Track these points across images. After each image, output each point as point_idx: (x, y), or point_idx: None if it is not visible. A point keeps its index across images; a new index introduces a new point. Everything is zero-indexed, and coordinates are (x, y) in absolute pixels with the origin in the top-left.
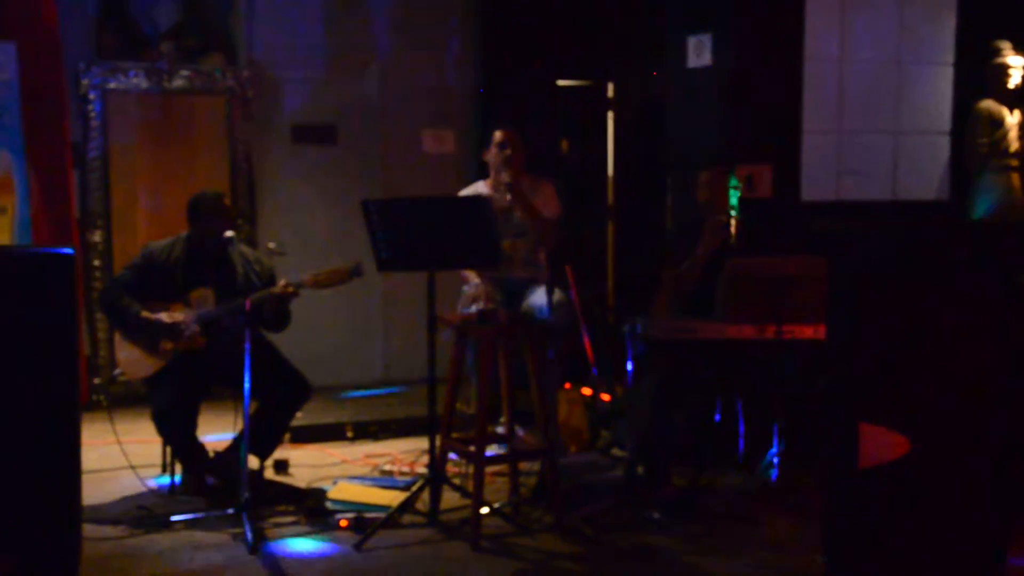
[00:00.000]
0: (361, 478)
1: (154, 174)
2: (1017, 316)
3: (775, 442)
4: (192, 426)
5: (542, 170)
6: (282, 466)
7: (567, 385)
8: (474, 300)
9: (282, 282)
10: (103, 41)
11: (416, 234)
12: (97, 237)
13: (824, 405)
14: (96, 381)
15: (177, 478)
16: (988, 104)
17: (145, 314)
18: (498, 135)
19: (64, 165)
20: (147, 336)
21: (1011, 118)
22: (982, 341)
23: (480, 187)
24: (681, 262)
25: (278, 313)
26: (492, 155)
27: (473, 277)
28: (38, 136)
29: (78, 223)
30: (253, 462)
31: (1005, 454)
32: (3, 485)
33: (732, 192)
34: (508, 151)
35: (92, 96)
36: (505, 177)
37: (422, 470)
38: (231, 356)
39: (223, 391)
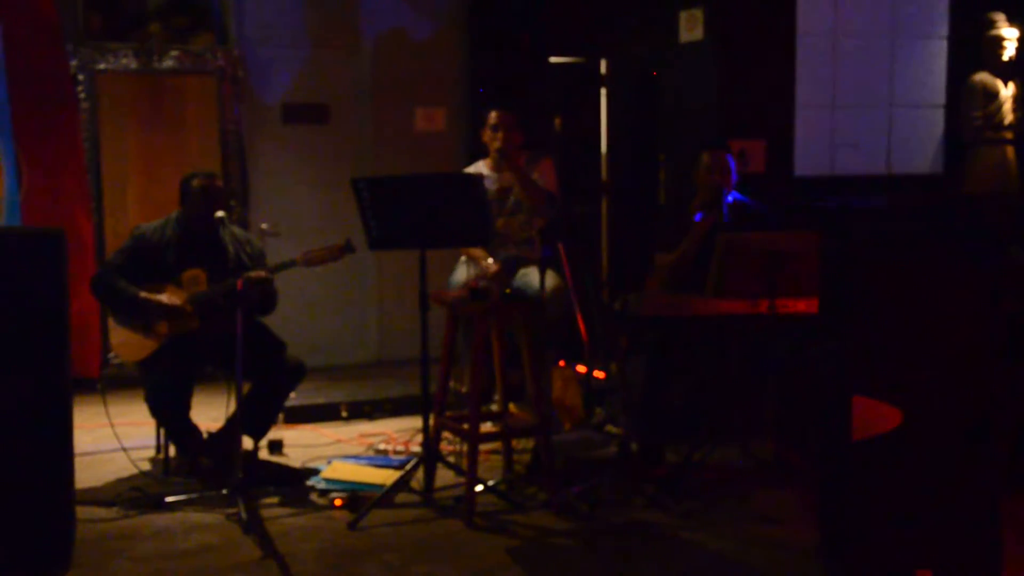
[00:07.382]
0: (355, 457)
1: (144, 155)
2: (1009, 288)
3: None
4: (186, 407)
5: (536, 147)
6: (276, 446)
7: (561, 362)
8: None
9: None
10: (90, 22)
11: (406, 212)
12: None
13: (817, 379)
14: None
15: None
16: (982, 77)
17: (144, 295)
18: (492, 116)
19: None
20: (142, 318)
21: (1005, 91)
22: (974, 313)
23: (481, 167)
24: (674, 244)
25: (261, 295)
26: (487, 136)
27: (476, 252)
28: (32, 119)
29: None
30: (247, 443)
31: (996, 427)
32: None
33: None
34: (501, 133)
35: (81, 77)
36: (497, 144)
37: (416, 449)
38: (224, 337)
39: (217, 373)
